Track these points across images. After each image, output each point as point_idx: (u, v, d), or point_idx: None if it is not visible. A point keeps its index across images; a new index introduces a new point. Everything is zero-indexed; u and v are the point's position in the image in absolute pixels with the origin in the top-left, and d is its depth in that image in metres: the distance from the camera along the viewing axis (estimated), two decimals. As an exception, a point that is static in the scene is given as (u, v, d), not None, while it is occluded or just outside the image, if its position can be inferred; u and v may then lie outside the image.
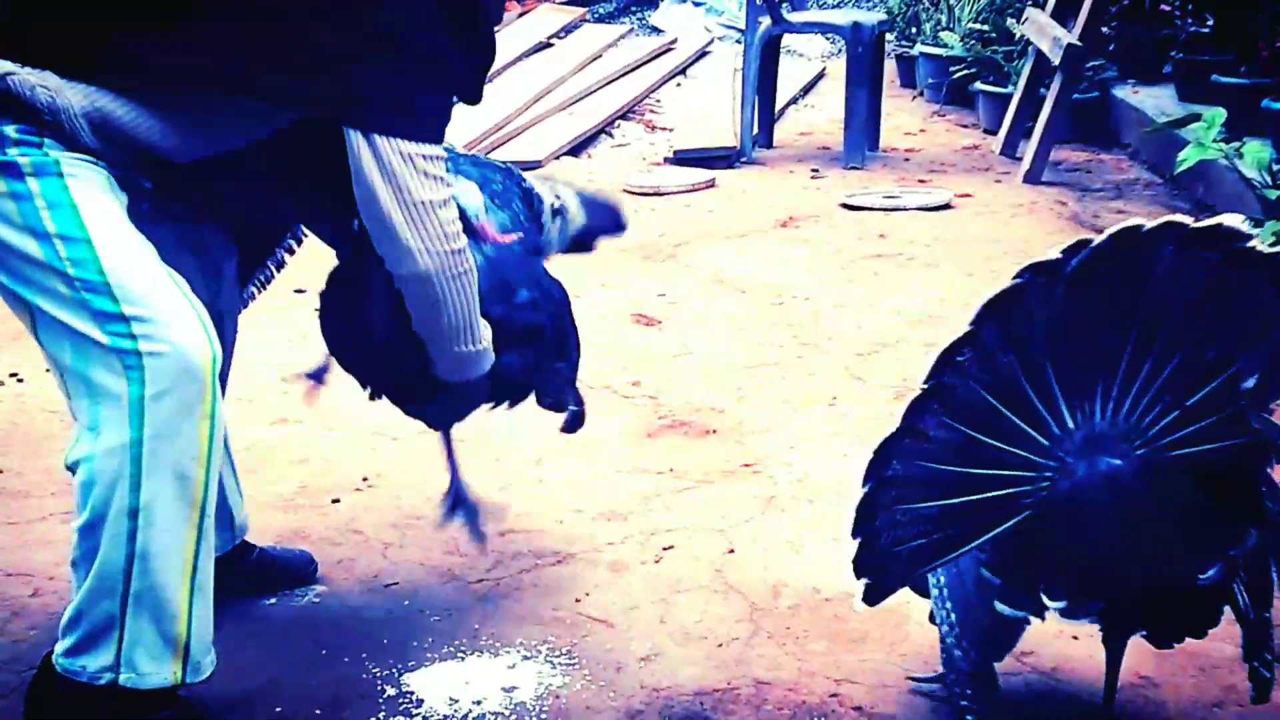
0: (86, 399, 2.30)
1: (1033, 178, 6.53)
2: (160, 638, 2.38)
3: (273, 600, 2.93)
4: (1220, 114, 4.67)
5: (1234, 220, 2.15)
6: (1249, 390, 2.11)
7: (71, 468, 2.32)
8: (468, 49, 2.51)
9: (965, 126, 7.84)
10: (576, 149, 7.14)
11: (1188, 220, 2.12)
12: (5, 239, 2.29)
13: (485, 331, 2.67)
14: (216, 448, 2.37)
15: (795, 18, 6.90)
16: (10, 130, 2.27)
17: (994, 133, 7.35)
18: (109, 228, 2.31)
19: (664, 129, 7.57)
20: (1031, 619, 2.31)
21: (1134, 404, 2.15)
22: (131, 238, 2.33)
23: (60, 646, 2.38)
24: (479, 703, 2.65)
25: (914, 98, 8.61)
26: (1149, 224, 2.11)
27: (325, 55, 2.37)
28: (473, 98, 2.61)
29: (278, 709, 2.62)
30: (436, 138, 2.47)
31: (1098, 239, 2.12)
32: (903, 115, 8.00)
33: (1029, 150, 6.61)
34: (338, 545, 3.25)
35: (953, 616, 2.40)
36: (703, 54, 9.19)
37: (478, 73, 2.59)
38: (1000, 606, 2.27)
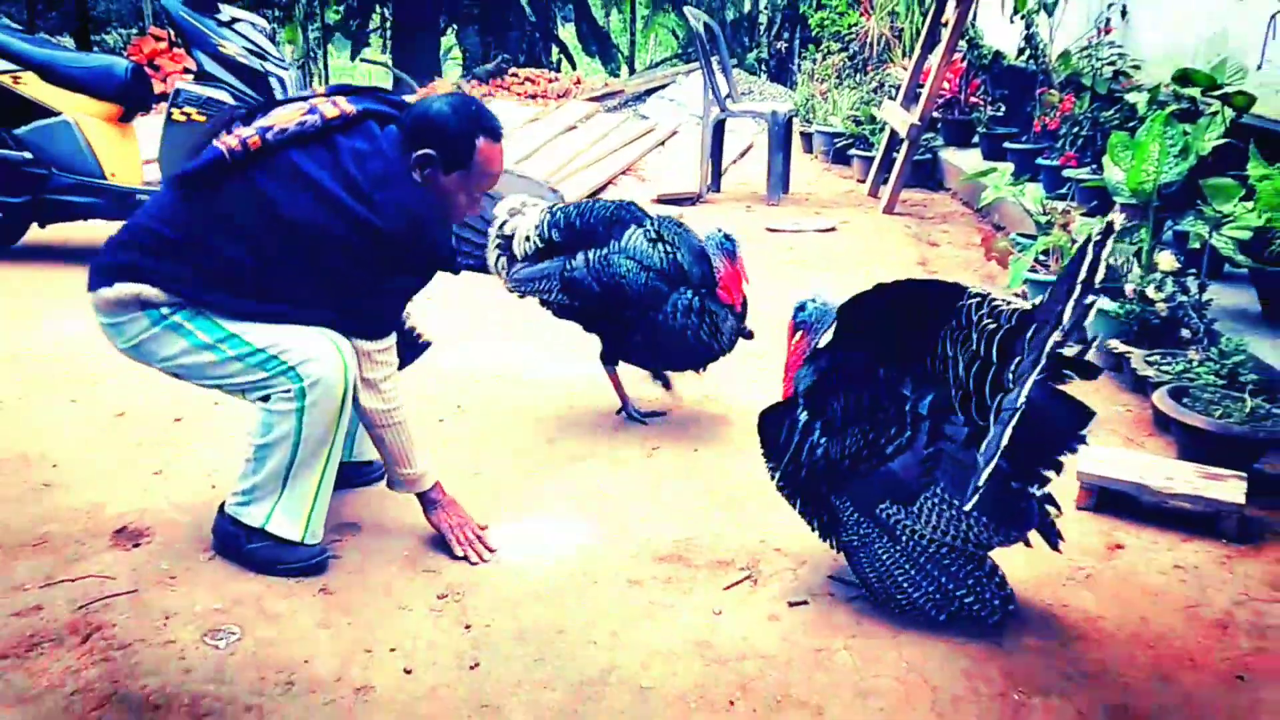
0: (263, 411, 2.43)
1: (889, 209, 6.58)
2: (296, 510, 2.51)
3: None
4: (1010, 167, 4.78)
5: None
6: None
7: (262, 400, 2.43)
8: (421, 273, 2.52)
9: (845, 178, 7.85)
10: (595, 193, 7.23)
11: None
12: (191, 361, 2.42)
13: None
14: (344, 420, 2.48)
15: (735, 107, 6.94)
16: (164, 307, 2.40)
17: (863, 181, 7.38)
18: (244, 327, 2.40)
19: (649, 180, 7.59)
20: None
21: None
22: (265, 325, 2.41)
23: (233, 499, 2.52)
24: (535, 545, 2.72)
25: (812, 159, 8.62)
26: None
27: (327, 304, 2.43)
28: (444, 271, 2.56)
29: (378, 544, 2.72)
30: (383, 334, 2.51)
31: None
32: (805, 171, 8.01)
33: (886, 192, 6.65)
34: (441, 449, 3.34)
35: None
36: (674, 133, 9.24)
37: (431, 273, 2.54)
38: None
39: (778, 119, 6.68)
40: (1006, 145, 6.38)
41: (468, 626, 2.36)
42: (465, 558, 2.61)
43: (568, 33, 21.04)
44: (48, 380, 3.74)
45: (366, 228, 2.31)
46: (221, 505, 2.57)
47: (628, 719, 2.07)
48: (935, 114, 7.18)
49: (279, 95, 4.85)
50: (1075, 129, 5.45)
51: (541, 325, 3.87)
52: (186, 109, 4.81)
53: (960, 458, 2.19)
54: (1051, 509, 2.34)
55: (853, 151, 7.82)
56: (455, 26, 18.92)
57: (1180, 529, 2.79)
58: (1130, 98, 5.03)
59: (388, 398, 2.53)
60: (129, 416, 3.39)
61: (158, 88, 7.90)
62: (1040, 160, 5.81)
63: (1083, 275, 2.00)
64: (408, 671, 2.20)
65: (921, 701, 2.12)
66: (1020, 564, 2.52)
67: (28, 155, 5.03)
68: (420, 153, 2.38)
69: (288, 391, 2.39)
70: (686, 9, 7.42)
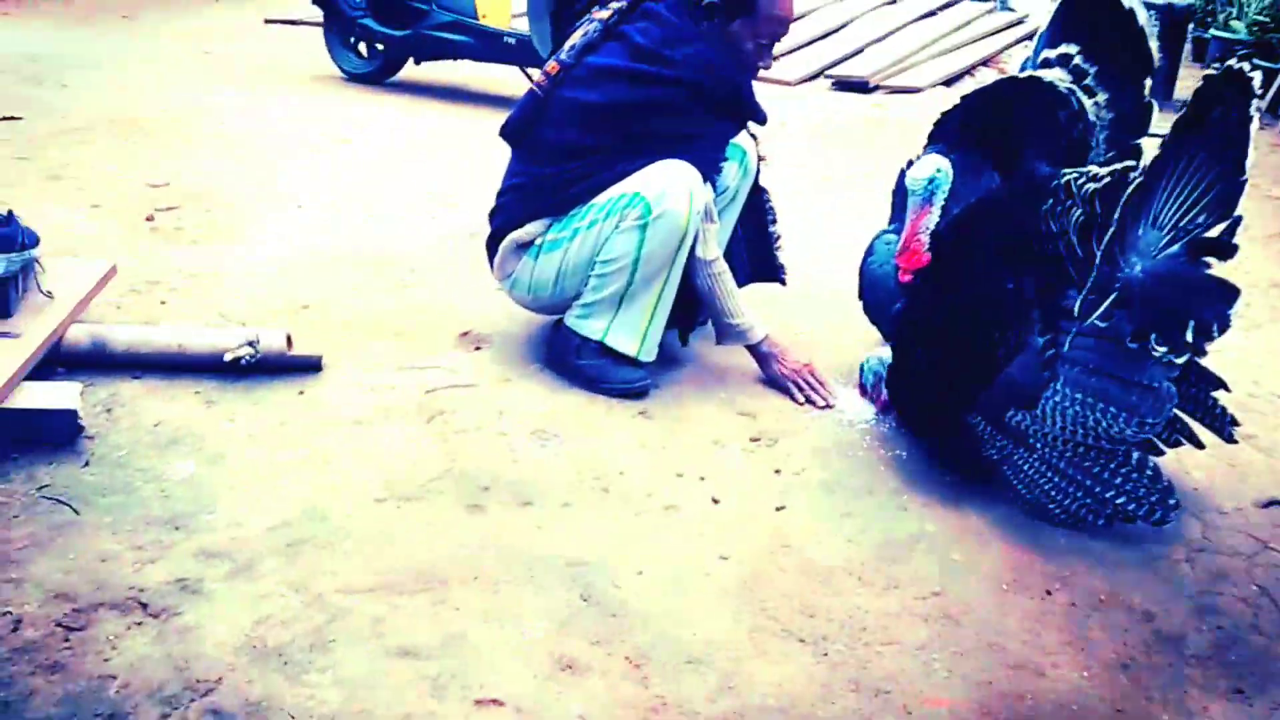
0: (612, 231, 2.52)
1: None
2: (633, 325, 2.59)
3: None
4: None
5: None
6: None
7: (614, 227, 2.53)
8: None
9: None
10: (949, 81, 6.89)
11: None
12: (574, 257, 2.58)
13: None
14: (684, 250, 2.54)
15: None
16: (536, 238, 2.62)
17: (1260, 96, 6.59)
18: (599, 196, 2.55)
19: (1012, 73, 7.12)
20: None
21: None
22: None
23: (573, 314, 2.63)
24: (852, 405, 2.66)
25: (1205, 71, 7.77)
26: None
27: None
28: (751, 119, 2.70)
29: (698, 382, 2.77)
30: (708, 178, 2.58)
31: None
32: (1194, 82, 7.25)
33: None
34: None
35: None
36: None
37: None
38: None
39: (1176, 9, 6.04)
40: None
41: (778, 471, 2.39)
42: (810, 402, 2.65)
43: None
44: (413, 199, 4.07)
45: (671, 84, 2.49)
46: (559, 319, 2.71)
47: (931, 585, 2.03)
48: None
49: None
50: None
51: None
52: (559, -46, 4.98)
53: (1079, 343, 2.08)
54: (1219, 393, 2.17)
55: (1254, 62, 6.96)
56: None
57: None
58: None
59: (711, 247, 2.60)
60: (479, 236, 3.62)
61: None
62: None
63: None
64: (715, 501, 2.26)
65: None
66: None
67: (414, -11, 5.41)
68: (704, 4, 2.52)
69: (637, 214, 2.47)
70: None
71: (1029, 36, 8.18)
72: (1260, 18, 7.06)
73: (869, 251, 2.80)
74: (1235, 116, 1.93)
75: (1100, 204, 2.05)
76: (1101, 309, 2.04)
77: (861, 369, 2.61)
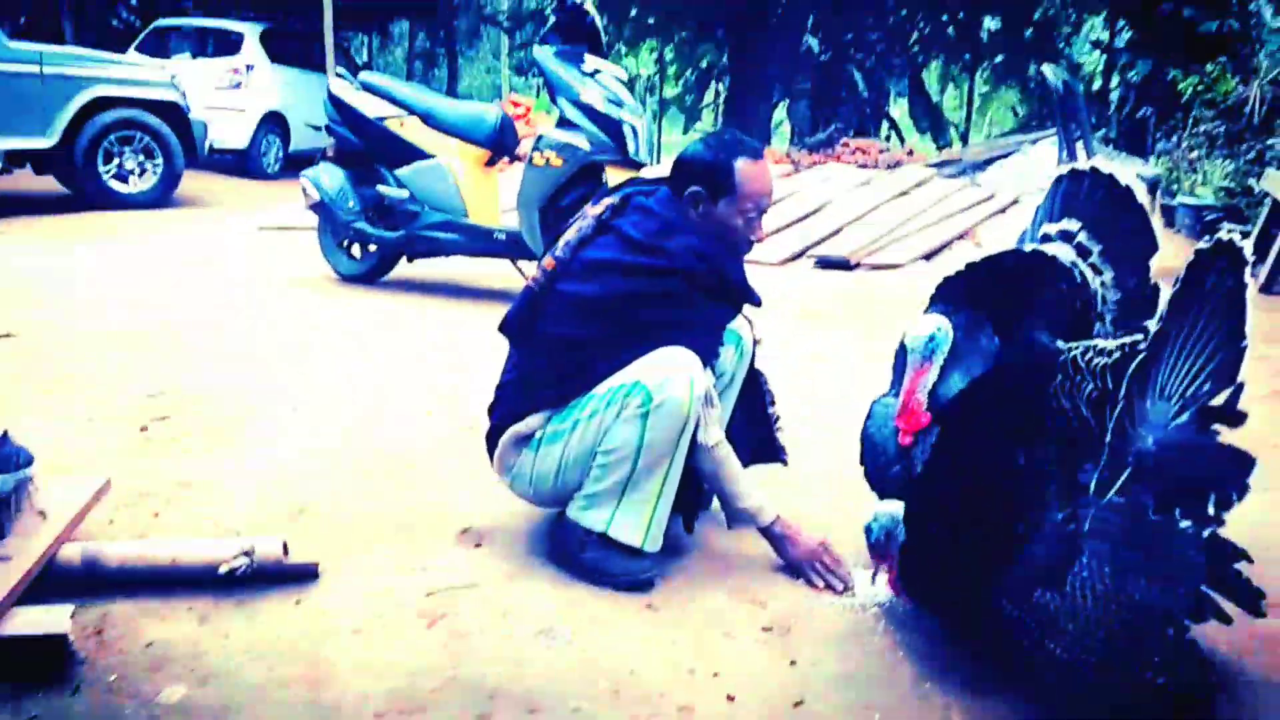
0: (614, 421, 2.51)
1: (1267, 289, 6.04)
2: (637, 515, 2.54)
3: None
4: None
5: None
6: None
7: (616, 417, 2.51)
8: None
9: None
10: (928, 256, 7.06)
11: None
12: (575, 449, 2.56)
13: None
14: (686, 436, 2.52)
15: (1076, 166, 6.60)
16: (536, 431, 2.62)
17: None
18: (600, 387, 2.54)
19: (986, 247, 7.31)
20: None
21: None
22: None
23: (575, 505, 2.59)
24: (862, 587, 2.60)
25: (1174, 234, 7.90)
26: None
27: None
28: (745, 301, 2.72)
29: (705, 569, 2.72)
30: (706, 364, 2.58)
31: None
32: (1167, 244, 7.41)
33: (1263, 270, 6.09)
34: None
35: None
36: (1015, 201, 8.89)
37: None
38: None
39: (1145, 181, 6.26)
40: None
41: (793, 662, 2.30)
42: (830, 587, 2.60)
43: (899, 109, 20.98)
44: (409, 393, 4.09)
45: (666, 274, 2.52)
46: (561, 512, 2.67)
47: (967, 781, 1.93)
48: (1328, 187, 6.47)
49: (631, 144, 5.12)
50: None
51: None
52: (546, 153, 5.18)
53: (1100, 518, 2.01)
54: (1241, 563, 2.03)
55: (1224, 226, 7.18)
56: (787, 100, 19.34)
57: None
58: None
59: (713, 431, 2.59)
60: (476, 429, 3.62)
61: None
62: None
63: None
64: (730, 699, 2.17)
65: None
66: None
67: (406, 194, 5.60)
68: (689, 192, 2.57)
69: (638, 403, 2.47)
70: (1045, 66, 7.18)
71: (1001, 211, 8.47)
72: (1226, 183, 7.34)
73: (868, 415, 2.79)
74: (1230, 285, 1.96)
75: (1110, 378, 2.05)
76: (1118, 484, 2.01)
77: (870, 528, 2.48)
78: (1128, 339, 2.10)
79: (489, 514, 2.96)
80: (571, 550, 2.62)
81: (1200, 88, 9.09)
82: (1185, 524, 1.94)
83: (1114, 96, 17.06)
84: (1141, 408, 2.03)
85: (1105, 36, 18.72)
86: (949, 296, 2.72)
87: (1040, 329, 2.48)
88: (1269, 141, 7.85)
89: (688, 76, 21.49)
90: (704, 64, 20.85)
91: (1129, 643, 2.04)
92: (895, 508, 2.42)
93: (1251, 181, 7.04)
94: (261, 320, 5.19)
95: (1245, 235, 1.97)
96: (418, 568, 2.66)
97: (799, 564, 2.64)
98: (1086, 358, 2.11)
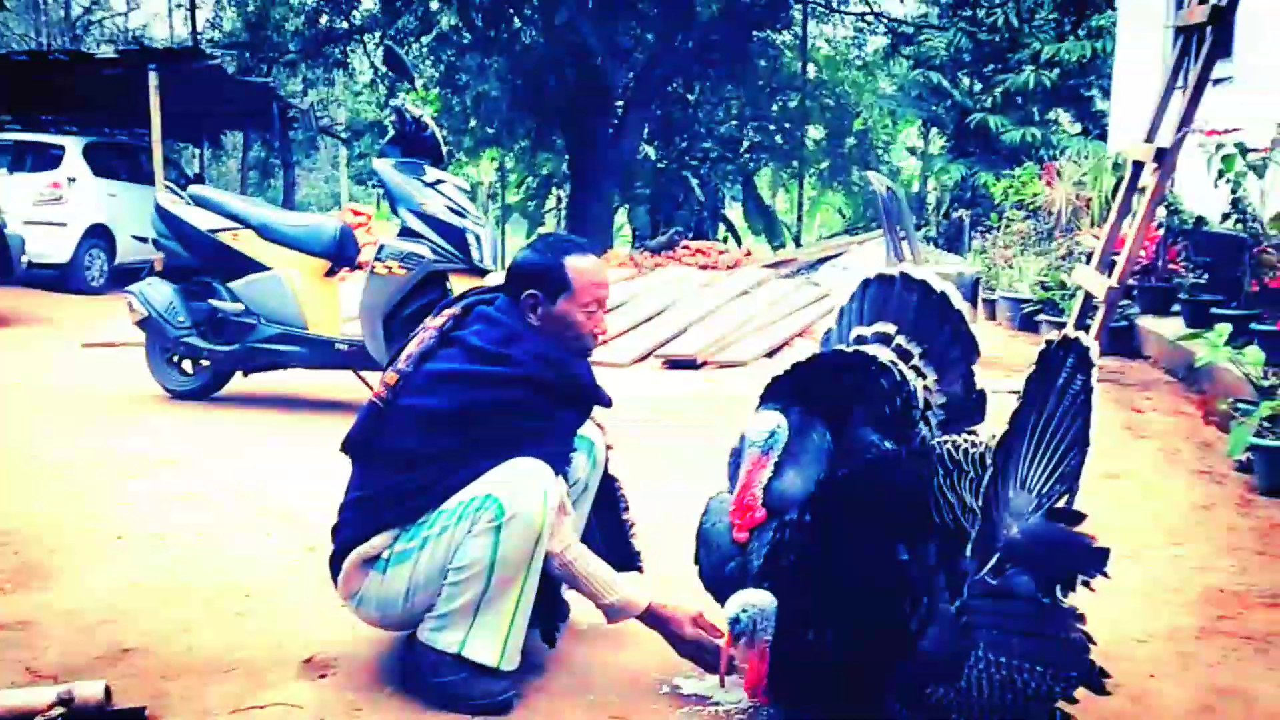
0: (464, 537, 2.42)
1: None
2: (491, 634, 2.44)
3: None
4: (1227, 328, 4.54)
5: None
6: None
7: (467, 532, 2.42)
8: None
9: (1034, 344, 7.50)
10: (771, 353, 7.23)
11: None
12: (425, 568, 2.45)
13: None
14: (541, 549, 2.45)
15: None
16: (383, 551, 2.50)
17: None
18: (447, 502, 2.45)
19: (827, 345, 7.52)
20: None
21: None
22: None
23: (426, 627, 2.47)
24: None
25: (996, 325, 8.39)
26: None
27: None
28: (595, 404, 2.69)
29: (563, 686, 2.63)
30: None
31: None
32: (991, 336, 7.73)
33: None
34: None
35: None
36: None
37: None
38: None
39: (964, 280, 6.60)
40: (1214, 311, 6.07)
41: (660, 779, 2.23)
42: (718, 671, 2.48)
43: (734, 212, 21.73)
44: (246, 515, 3.88)
45: (513, 382, 2.49)
46: (411, 635, 2.54)
47: None
48: (1131, 281, 6.94)
49: (475, 251, 5.09)
50: (1303, 287, 5.17)
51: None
52: (389, 263, 5.10)
53: (981, 605, 2.05)
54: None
55: (1041, 317, 7.63)
56: (627, 206, 19.80)
57: None
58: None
59: (561, 537, 2.51)
60: (319, 551, 3.45)
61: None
62: (1255, 325, 5.50)
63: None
64: (597, 823, 2.08)
65: None
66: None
67: (240, 307, 5.41)
68: (525, 295, 2.56)
69: (489, 517, 2.39)
70: (869, 172, 7.56)
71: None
72: (1041, 278, 7.82)
73: (705, 511, 2.71)
74: (1080, 385, 2.04)
75: (983, 468, 2.09)
76: (990, 565, 2.02)
77: (738, 618, 2.33)
78: (998, 432, 2.12)
79: (335, 641, 2.80)
80: (424, 675, 2.49)
81: (1010, 190, 9.73)
82: (1068, 604, 1.97)
83: (931, 199, 18.15)
84: (1005, 496, 2.06)
85: (920, 144, 19.99)
86: (778, 395, 2.69)
87: (868, 427, 2.50)
88: (1075, 239, 8.43)
89: (529, 183, 21.78)
90: (544, 171, 21.20)
91: None
92: (763, 599, 2.32)
93: (1063, 276, 7.51)
94: (82, 443, 4.87)
95: (1087, 330, 2.07)
96: (256, 705, 2.48)
97: (684, 652, 2.56)
98: (961, 448, 2.13)
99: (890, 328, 2.66)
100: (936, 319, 2.64)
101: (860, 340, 2.69)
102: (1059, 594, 2.00)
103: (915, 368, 2.61)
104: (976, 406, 2.63)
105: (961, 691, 2.03)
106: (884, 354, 2.60)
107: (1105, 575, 2.01)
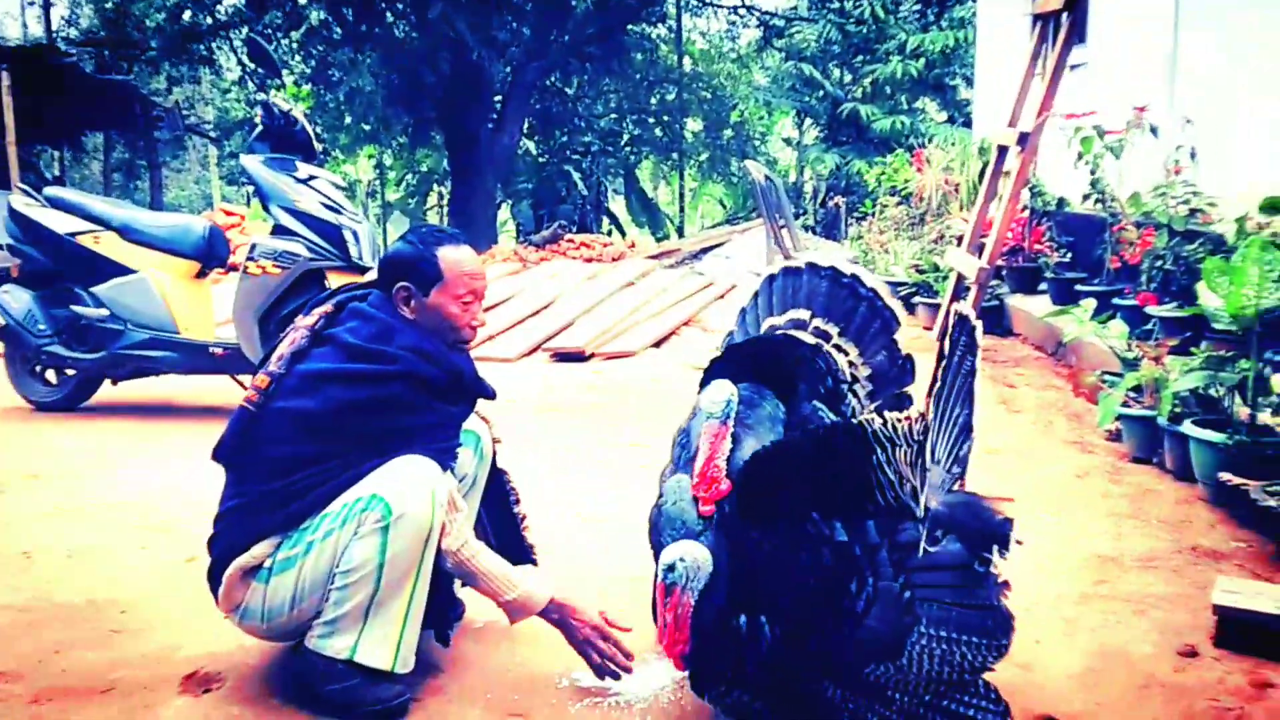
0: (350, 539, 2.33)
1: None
2: (383, 637, 2.37)
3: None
4: (1092, 303, 4.69)
5: None
6: None
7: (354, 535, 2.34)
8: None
9: (911, 325, 7.73)
10: (658, 343, 7.24)
11: None
12: (310, 573, 2.35)
13: None
14: (430, 549, 2.39)
15: (800, 257, 7.00)
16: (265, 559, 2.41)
17: (930, 328, 7.32)
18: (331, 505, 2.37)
19: (713, 331, 7.58)
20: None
21: None
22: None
23: (314, 635, 2.38)
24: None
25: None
26: None
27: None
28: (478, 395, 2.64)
29: (459, 686, 2.59)
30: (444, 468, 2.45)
31: None
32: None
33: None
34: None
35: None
36: (733, 287, 9.32)
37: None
38: None
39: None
40: (1079, 288, 6.31)
41: (562, 774, 2.19)
42: (612, 675, 2.46)
43: (617, 204, 21.77)
44: (120, 528, 3.69)
45: (391, 378, 2.40)
46: (298, 643, 2.44)
47: None
48: (1000, 261, 7.16)
49: (353, 248, 4.94)
50: (1158, 263, 5.39)
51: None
52: (262, 262, 4.91)
53: (919, 579, 2.03)
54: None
55: (916, 299, 7.80)
56: (510, 201, 19.63)
57: (1336, 665, 2.56)
58: (1217, 229, 4.99)
59: (456, 534, 2.44)
60: (199, 562, 3.30)
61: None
62: (1117, 300, 5.73)
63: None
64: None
65: None
66: (1159, 706, 2.31)
67: (105, 312, 5.15)
68: (397, 288, 2.49)
69: (376, 517, 2.31)
70: (748, 161, 7.62)
71: (720, 297, 8.85)
72: (916, 261, 8.00)
73: (659, 495, 2.54)
74: (968, 368, 2.06)
75: (914, 440, 2.06)
76: (924, 534, 2.01)
77: (671, 566, 2.13)
78: (922, 408, 2.14)
79: (219, 654, 2.68)
80: (314, 684, 2.39)
81: (883, 177, 9.95)
82: (998, 569, 1.98)
83: (808, 188, 18.48)
84: (926, 471, 2.07)
85: (795, 134, 20.32)
86: (721, 374, 2.57)
87: (810, 397, 2.51)
88: (945, 223, 8.66)
89: (410, 180, 21.40)
90: (424, 168, 20.86)
91: (952, 703, 2.05)
92: (701, 554, 2.14)
93: (936, 259, 7.71)
94: (-63, 462, 4.57)
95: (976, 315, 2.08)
96: (136, 726, 2.35)
97: (581, 649, 2.49)
98: (893, 423, 2.06)
99: (804, 313, 2.68)
100: (851, 299, 2.67)
101: (774, 329, 2.70)
102: (995, 557, 2.01)
103: (837, 345, 2.64)
104: (904, 370, 2.66)
105: (902, 668, 2.00)
106: (806, 338, 2.62)
107: (1018, 542, 2.04)
